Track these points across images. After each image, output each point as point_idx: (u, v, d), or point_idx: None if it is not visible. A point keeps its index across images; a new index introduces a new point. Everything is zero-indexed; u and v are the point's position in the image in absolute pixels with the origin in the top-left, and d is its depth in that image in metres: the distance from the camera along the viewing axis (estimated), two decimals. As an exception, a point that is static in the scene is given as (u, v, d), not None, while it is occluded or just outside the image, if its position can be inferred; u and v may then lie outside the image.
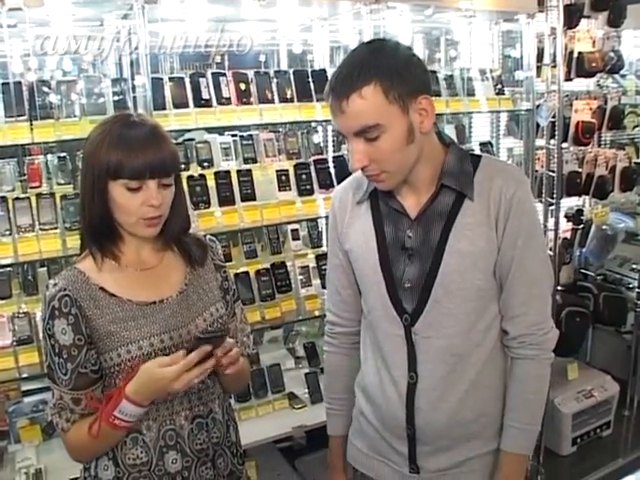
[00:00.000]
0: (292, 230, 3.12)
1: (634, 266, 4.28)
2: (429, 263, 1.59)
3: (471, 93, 3.38)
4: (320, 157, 3.13)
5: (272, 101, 2.89)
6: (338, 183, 3.00)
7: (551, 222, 3.54)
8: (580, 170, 3.75)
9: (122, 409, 1.44)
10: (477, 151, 3.34)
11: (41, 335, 1.55)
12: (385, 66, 1.45)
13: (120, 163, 1.43)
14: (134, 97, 2.66)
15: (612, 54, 3.68)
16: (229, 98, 2.81)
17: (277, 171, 2.96)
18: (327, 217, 3.20)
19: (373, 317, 1.71)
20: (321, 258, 3.14)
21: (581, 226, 3.94)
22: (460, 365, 1.62)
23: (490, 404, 1.67)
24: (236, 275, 2.91)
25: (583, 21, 3.61)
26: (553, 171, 3.58)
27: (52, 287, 1.49)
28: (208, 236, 1.78)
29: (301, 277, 3.07)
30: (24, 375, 2.49)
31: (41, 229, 2.52)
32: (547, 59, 3.51)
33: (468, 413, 1.64)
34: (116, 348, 1.49)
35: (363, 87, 1.43)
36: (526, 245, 1.57)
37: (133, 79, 2.68)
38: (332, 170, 3.09)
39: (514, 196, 1.55)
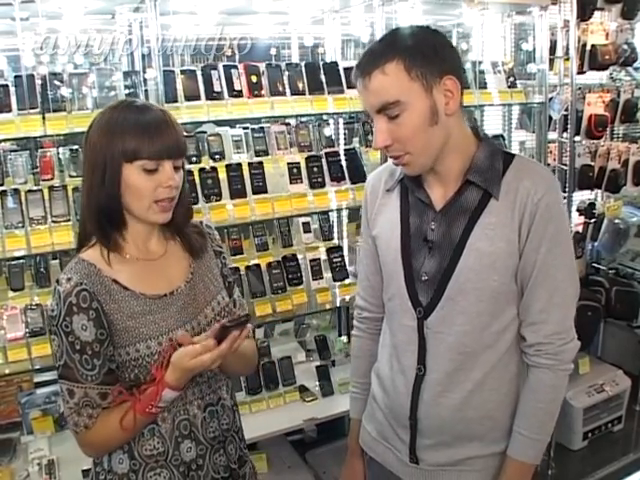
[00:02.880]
0: (303, 223, 3.12)
1: (646, 260, 4.26)
2: (447, 259, 1.57)
3: (483, 86, 3.36)
4: (332, 150, 3.12)
5: (283, 94, 2.89)
6: (350, 176, 3.06)
7: (563, 216, 3.52)
8: (592, 163, 3.73)
9: (163, 397, 1.44)
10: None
11: (51, 333, 1.50)
12: (409, 44, 1.46)
13: (138, 145, 1.44)
14: (146, 90, 2.66)
15: (625, 46, 3.65)
16: (240, 91, 2.81)
17: (288, 164, 2.96)
18: (338, 210, 3.26)
19: (391, 305, 1.72)
20: (332, 251, 3.15)
21: (593, 220, 3.92)
22: (468, 364, 1.60)
23: (497, 407, 1.63)
24: (247, 267, 2.92)
25: (596, 13, 3.59)
26: (565, 164, 3.57)
27: (66, 282, 1.45)
28: (205, 222, 1.78)
29: (312, 270, 3.07)
30: (37, 366, 2.51)
31: (53, 221, 2.54)
32: (560, 52, 3.51)
33: (471, 412, 1.62)
34: (133, 344, 1.49)
35: (386, 64, 1.44)
36: (550, 252, 1.53)
37: (145, 72, 2.69)
38: (344, 163, 3.09)
39: (541, 200, 1.51)
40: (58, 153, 2.79)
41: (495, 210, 1.54)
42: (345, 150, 3.17)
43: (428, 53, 1.45)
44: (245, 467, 1.73)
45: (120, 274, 1.52)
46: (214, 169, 2.80)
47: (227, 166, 2.84)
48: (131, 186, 1.46)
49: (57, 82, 2.53)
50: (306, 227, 3.13)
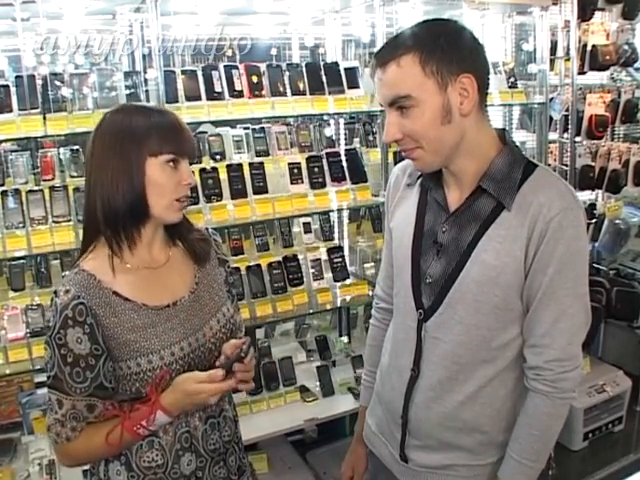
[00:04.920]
0: (304, 223, 3.13)
1: (647, 261, 4.26)
2: (453, 265, 1.53)
3: (484, 86, 3.35)
4: (332, 150, 3.13)
5: (284, 94, 2.89)
6: (350, 176, 3.06)
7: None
8: (593, 164, 3.73)
9: (157, 420, 1.44)
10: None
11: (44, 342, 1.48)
12: (428, 38, 1.42)
13: (163, 140, 1.45)
14: (146, 90, 2.67)
15: (626, 47, 3.65)
16: (241, 91, 2.82)
17: (289, 164, 2.96)
18: (339, 210, 3.26)
19: (397, 301, 1.71)
20: (333, 251, 3.15)
21: (594, 220, 3.92)
22: (462, 375, 1.56)
23: (488, 421, 1.59)
24: (248, 268, 2.93)
25: (597, 14, 3.59)
26: (566, 165, 3.57)
27: (63, 294, 1.42)
28: (210, 229, 1.76)
29: (313, 270, 3.08)
30: (37, 367, 2.49)
31: (54, 221, 2.55)
32: (560, 52, 3.51)
33: (460, 424, 1.58)
34: (135, 357, 1.47)
35: (402, 56, 1.40)
36: (559, 275, 1.45)
37: (145, 72, 2.69)
38: (344, 163, 3.09)
39: (553, 219, 1.42)
40: (59, 153, 2.80)
41: (506, 222, 1.47)
42: (346, 150, 3.17)
43: (447, 49, 1.40)
44: (244, 476, 1.73)
45: (121, 285, 1.49)
46: (215, 169, 2.80)
47: (228, 166, 2.84)
48: (154, 182, 1.46)
49: (58, 82, 2.54)
50: (307, 227, 3.14)
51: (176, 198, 1.49)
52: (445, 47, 1.40)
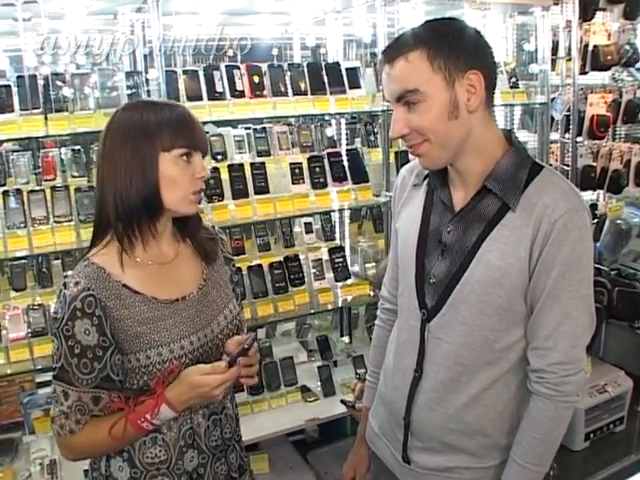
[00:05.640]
0: (305, 223, 3.13)
1: (648, 261, 4.26)
2: (457, 265, 1.53)
3: (485, 86, 3.36)
4: (334, 150, 3.13)
5: (286, 94, 2.90)
6: (351, 176, 3.06)
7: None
8: (594, 164, 3.73)
9: (161, 413, 1.44)
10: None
11: (51, 334, 1.48)
12: (436, 35, 1.43)
13: (175, 134, 1.45)
14: (148, 90, 2.67)
15: (628, 47, 3.65)
16: (243, 91, 2.82)
17: (290, 164, 2.97)
18: (340, 210, 3.26)
19: (401, 302, 1.71)
20: (334, 251, 3.15)
21: (595, 220, 3.92)
22: (465, 377, 1.55)
23: (492, 425, 1.58)
24: (249, 268, 2.93)
25: (598, 14, 3.60)
26: (567, 165, 3.57)
27: (73, 286, 1.41)
28: (216, 228, 1.77)
29: (314, 270, 3.08)
30: (39, 367, 2.51)
31: (55, 221, 2.55)
32: (562, 52, 3.51)
33: (464, 426, 1.58)
34: (144, 350, 1.47)
35: (410, 52, 1.41)
36: (563, 277, 1.43)
37: (147, 72, 2.69)
38: (345, 163, 3.09)
39: (558, 221, 1.41)
40: (60, 153, 2.80)
41: (511, 223, 1.47)
42: (347, 150, 3.17)
43: (455, 45, 1.41)
44: (245, 475, 1.73)
45: (130, 278, 1.49)
46: (216, 169, 2.80)
47: (229, 166, 2.84)
48: (168, 177, 1.46)
49: (59, 82, 2.54)
50: (308, 227, 3.14)
51: (193, 191, 1.50)
52: (452, 44, 1.41)
